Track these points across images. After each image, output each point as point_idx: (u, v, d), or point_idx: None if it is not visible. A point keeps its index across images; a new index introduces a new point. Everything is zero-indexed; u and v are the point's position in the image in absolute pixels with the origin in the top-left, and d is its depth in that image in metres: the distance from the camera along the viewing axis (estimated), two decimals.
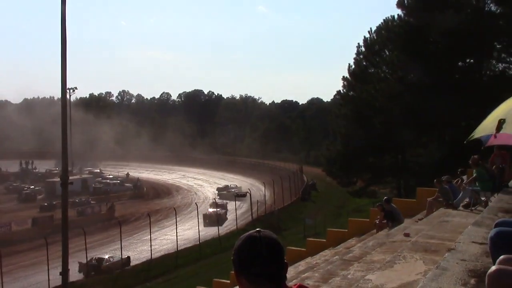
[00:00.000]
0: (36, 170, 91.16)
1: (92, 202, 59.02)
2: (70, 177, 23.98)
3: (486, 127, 6.88)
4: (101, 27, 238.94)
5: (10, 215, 53.89)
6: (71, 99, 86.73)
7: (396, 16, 40.54)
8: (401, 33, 38.19)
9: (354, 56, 44.37)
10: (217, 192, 68.60)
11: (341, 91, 45.92)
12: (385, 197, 18.12)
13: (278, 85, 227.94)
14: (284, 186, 58.14)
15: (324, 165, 49.37)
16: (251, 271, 2.20)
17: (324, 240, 20.22)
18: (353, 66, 44.08)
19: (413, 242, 8.28)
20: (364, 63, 43.79)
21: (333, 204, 55.45)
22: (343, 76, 44.72)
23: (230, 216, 51.82)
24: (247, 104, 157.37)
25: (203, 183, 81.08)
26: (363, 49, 43.47)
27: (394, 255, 7.51)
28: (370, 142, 39.27)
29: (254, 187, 67.27)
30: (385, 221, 15.79)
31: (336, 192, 54.50)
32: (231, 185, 73.18)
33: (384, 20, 41.91)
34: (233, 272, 2.35)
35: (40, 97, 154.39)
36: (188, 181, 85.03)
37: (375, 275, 6.53)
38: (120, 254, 36.68)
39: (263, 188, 59.41)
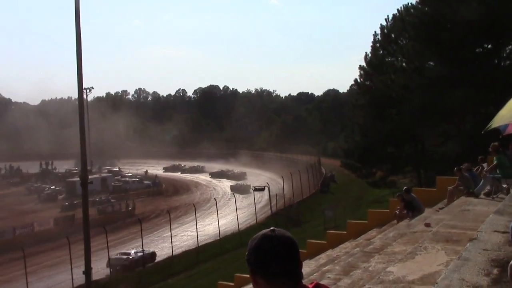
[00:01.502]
0: (56, 170, 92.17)
1: (112, 200, 59.50)
2: (90, 176, 24.20)
3: (503, 116, 6.78)
4: (115, 26, 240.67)
5: (32, 215, 54.53)
6: (88, 99, 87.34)
7: (411, 4, 40.12)
8: (416, 22, 37.75)
9: (371, 45, 44.01)
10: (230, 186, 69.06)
11: (358, 81, 45.59)
12: (404, 187, 17.95)
13: (294, 77, 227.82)
14: (302, 178, 57.99)
15: (342, 157, 49.16)
16: (268, 270, 2.19)
17: (344, 232, 20.15)
18: (370, 55, 43.71)
19: (434, 232, 8.20)
20: (381, 52, 43.38)
21: (352, 195, 55.20)
22: (360, 65, 44.41)
23: (250, 210, 51.86)
24: (263, 98, 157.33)
25: (221, 178, 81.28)
26: (379, 37, 43.07)
27: (415, 246, 7.45)
28: (389, 132, 38.96)
29: (273, 180, 67.18)
30: (405, 212, 15.67)
31: (355, 184, 54.22)
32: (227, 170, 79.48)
33: (399, 8, 41.51)
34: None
35: (57, 98, 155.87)
36: (206, 176, 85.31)
37: (396, 267, 6.48)
38: (142, 251, 36.92)
39: (281, 181, 59.32)
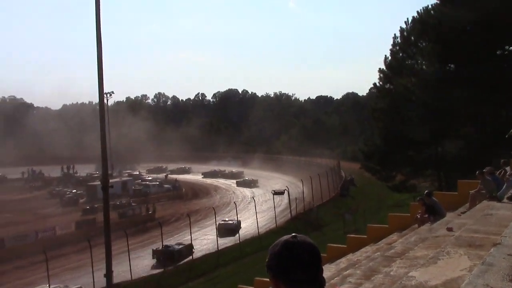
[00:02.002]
0: (77, 174, 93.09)
1: (133, 204, 59.89)
2: (110, 180, 24.44)
3: None
4: (134, 31, 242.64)
5: (54, 219, 55.08)
6: (109, 103, 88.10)
7: (431, 6, 39.86)
8: (436, 24, 37.47)
9: (390, 47, 43.75)
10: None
11: (378, 84, 45.36)
12: (426, 191, 17.78)
13: (313, 81, 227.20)
14: (322, 182, 57.81)
15: (362, 160, 48.93)
16: (291, 277, 2.20)
17: (365, 236, 20.02)
18: (389, 58, 43.47)
19: (457, 237, 8.11)
20: (401, 55, 43.12)
21: (372, 199, 54.85)
22: (380, 68, 44.18)
23: (269, 214, 51.82)
24: (282, 101, 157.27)
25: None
26: (399, 40, 42.82)
27: (437, 251, 7.37)
28: (409, 135, 38.69)
29: (292, 184, 67.06)
30: (426, 216, 15.51)
31: (375, 187, 53.90)
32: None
33: (419, 11, 41.24)
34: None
35: (78, 103, 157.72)
36: (226, 180, 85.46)
37: (418, 271, 6.42)
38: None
39: (301, 185, 59.19)
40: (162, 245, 38.88)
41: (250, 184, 78.48)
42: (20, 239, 44.60)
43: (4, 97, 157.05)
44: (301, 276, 2.20)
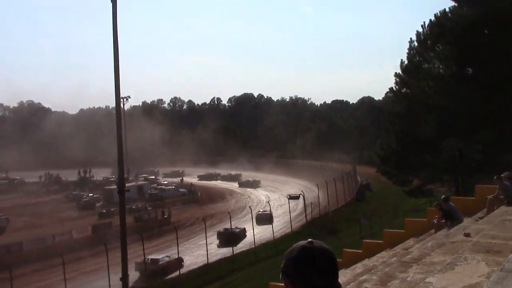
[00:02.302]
0: (94, 178, 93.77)
1: (149, 208, 60.16)
2: (127, 184, 24.55)
3: None
4: (150, 35, 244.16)
5: (71, 223, 55.57)
6: (125, 108, 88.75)
7: (449, 9, 39.53)
8: (453, 27, 37.18)
9: (407, 51, 43.43)
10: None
11: (394, 88, 45.06)
12: (443, 196, 17.58)
13: (328, 85, 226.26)
14: (337, 187, 57.63)
15: (378, 165, 48.62)
16: (308, 282, 2.20)
17: (381, 241, 19.87)
18: (405, 62, 43.18)
19: (474, 243, 8.01)
20: (417, 59, 42.79)
21: (388, 204, 54.56)
22: (396, 73, 43.81)
23: (285, 218, 51.77)
24: (298, 106, 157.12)
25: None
26: (415, 44, 42.50)
27: (454, 257, 7.28)
28: (425, 139, 38.38)
29: (308, 188, 66.94)
30: (443, 221, 15.34)
31: (392, 192, 53.56)
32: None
33: (436, 14, 40.92)
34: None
35: (95, 107, 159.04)
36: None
37: (435, 277, 6.35)
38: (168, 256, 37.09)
39: (316, 190, 59.05)
40: (145, 257, 36.26)
41: (253, 184, 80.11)
42: (37, 243, 45.07)
43: (22, 101, 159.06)
44: (317, 282, 2.20)
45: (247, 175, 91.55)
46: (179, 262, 38.78)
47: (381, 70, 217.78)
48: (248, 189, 79.08)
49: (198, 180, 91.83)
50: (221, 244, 43.54)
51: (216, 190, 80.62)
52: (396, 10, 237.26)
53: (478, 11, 34.37)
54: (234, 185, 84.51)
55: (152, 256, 38.00)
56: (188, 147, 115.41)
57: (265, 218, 51.42)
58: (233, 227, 45.97)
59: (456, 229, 13.49)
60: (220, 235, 45.30)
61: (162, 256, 38.81)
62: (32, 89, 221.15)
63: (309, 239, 2.33)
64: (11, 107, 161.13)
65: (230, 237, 44.01)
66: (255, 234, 43.89)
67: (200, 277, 35.76)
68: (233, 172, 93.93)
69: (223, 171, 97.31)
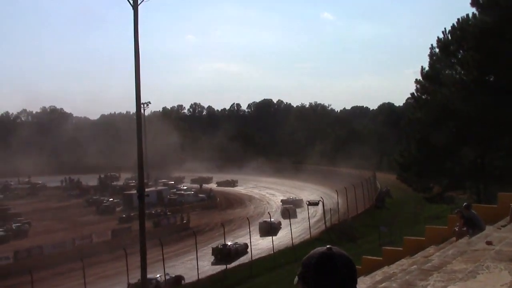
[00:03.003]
0: (114, 183, 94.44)
1: (168, 213, 60.38)
2: (146, 189, 24.74)
3: None
4: (169, 42, 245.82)
5: (91, 227, 56.04)
6: (146, 113, 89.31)
7: (471, 15, 39.16)
8: (475, 32, 36.82)
9: (428, 57, 43.11)
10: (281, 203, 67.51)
11: (415, 94, 44.74)
12: (464, 203, 17.36)
13: (348, 91, 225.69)
14: (357, 193, 57.28)
15: (398, 171, 48.24)
16: None
17: (401, 249, 19.67)
18: (426, 68, 42.84)
19: (497, 251, 7.90)
20: (438, 65, 42.44)
21: (408, 211, 54.02)
22: (416, 79, 43.54)
23: (303, 224, 51.55)
24: (317, 112, 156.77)
25: (275, 192, 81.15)
26: (436, 50, 42.18)
27: (476, 265, 7.19)
28: (447, 146, 37.99)
29: (327, 195, 66.63)
30: (465, 229, 15.13)
31: (412, 199, 53.05)
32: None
33: (458, 19, 40.57)
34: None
35: (116, 112, 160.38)
36: (260, 190, 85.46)
37: (457, 286, 6.27)
38: (197, 264, 37.05)
39: (335, 196, 58.75)
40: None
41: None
42: (58, 247, 45.55)
43: (44, 107, 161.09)
44: None
45: (266, 180, 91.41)
46: (246, 247, 42.90)
47: (402, 76, 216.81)
48: (267, 195, 78.99)
49: (216, 186, 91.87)
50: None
51: (235, 195, 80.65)
52: (417, 16, 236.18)
53: (499, 17, 34.01)
54: (253, 191, 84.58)
55: (224, 243, 42.73)
56: (207, 153, 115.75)
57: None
58: (231, 243, 44.14)
59: (478, 237, 13.31)
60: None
61: (231, 243, 43.60)
62: (54, 95, 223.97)
63: (328, 246, 2.31)
64: (34, 112, 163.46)
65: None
66: (274, 239, 43.71)
67: (218, 282, 35.75)
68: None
69: (239, 177, 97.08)
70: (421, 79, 43.12)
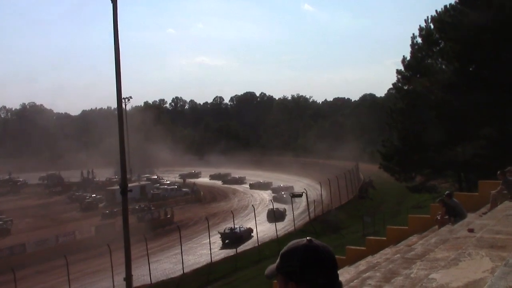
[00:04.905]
0: (96, 179, 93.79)
1: (152, 208, 60.18)
2: (129, 185, 24.53)
3: None
4: (150, 36, 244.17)
5: (74, 223, 55.65)
6: (127, 108, 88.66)
7: (450, 5, 39.38)
8: (454, 23, 37.07)
9: (410, 47, 43.27)
10: (272, 193, 68.76)
11: (396, 85, 44.95)
12: (446, 192, 17.51)
13: (330, 83, 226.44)
14: (340, 184, 57.57)
15: (380, 162, 48.59)
16: (316, 282, 2.19)
17: (384, 238, 19.82)
18: (408, 58, 43.02)
19: (478, 238, 7.98)
20: (420, 55, 42.63)
21: (391, 201, 54.52)
22: (397, 69, 43.74)
23: (287, 217, 51.72)
24: (299, 104, 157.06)
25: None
26: (418, 40, 42.34)
27: (458, 252, 7.24)
28: (428, 136, 38.27)
29: (310, 186, 66.87)
30: (447, 217, 15.30)
31: (394, 189, 53.48)
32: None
33: (437, 10, 40.80)
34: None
35: (97, 108, 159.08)
36: (243, 183, 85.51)
37: (439, 273, 6.31)
38: (181, 258, 37.03)
39: (319, 188, 58.98)
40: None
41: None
42: (40, 244, 45.18)
43: (24, 103, 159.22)
44: (323, 280, 2.21)
45: (249, 173, 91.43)
46: (250, 232, 45.63)
47: (383, 67, 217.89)
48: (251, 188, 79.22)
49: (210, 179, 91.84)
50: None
51: (219, 189, 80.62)
52: (397, 6, 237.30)
53: (481, 9, 34.24)
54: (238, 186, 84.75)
55: (231, 226, 45.80)
56: (189, 147, 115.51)
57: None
58: (237, 226, 46.08)
59: (460, 224, 13.46)
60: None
61: (237, 226, 46.00)
62: (34, 91, 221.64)
63: (307, 237, 2.31)
64: (13, 109, 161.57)
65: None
66: (259, 232, 43.78)
67: (203, 276, 35.76)
68: (237, 174, 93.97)
69: (222, 170, 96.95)
70: (402, 69, 43.35)
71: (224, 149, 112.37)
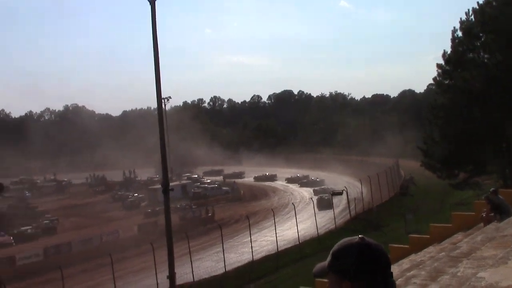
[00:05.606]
0: (138, 178, 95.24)
1: (193, 206, 60.78)
2: (170, 184, 24.87)
3: None
4: (188, 36, 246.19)
5: (117, 222, 56.69)
6: (166, 108, 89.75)
7: None
8: (496, 15, 36.18)
9: (450, 41, 42.39)
10: (312, 191, 68.69)
11: (437, 80, 44.08)
12: (491, 189, 17.13)
13: (368, 79, 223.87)
14: (381, 182, 56.91)
15: (422, 159, 47.78)
16: (374, 281, 2.20)
17: (428, 236, 19.54)
18: (448, 52, 42.14)
19: None
20: (461, 49, 41.70)
21: (434, 198, 53.48)
22: (438, 64, 42.89)
23: (328, 214, 51.43)
24: (338, 101, 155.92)
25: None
26: (459, 33, 41.42)
27: (507, 251, 7.11)
28: (471, 132, 37.47)
29: (350, 184, 66.35)
30: (492, 214, 14.98)
31: (437, 186, 52.44)
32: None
33: (478, 2, 39.85)
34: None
35: (137, 108, 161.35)
36: (283, 181, 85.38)
37: (488, 272, 6.21)
38: (223, 256, 37.24)
39: (359, 185, 58.46)
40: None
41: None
42: (85, 243, 46.20)
43: (67, 105, 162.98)
44: (378, 278, 2.21)
45: (288, 172, 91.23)
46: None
47: (422, 62, 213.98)
48: (291, 186, 79.18)
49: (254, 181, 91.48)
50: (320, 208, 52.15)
51: (259, 187, 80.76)
52: (436, 0, 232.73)
53: None
54: (277, 183, 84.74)
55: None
56: (228, 145, 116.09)
57: (326, 204, 54.11)
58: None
59: (506, 222, 13.15)
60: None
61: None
62: (77, 92, 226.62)
63: (359, 235, 2.31)
64: (56, 110, 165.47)
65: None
66: (299, 230, 43.66)
67: (245, 274, 35.88)
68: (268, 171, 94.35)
69: (260, 169, 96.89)
70: (443, 63, 42.49)
71: (262, 147, 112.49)
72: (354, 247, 2.24)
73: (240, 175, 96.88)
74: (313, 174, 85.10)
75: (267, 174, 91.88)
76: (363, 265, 2.20)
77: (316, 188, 69.49)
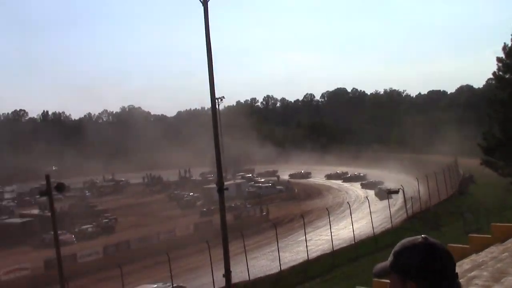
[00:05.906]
0: (193, 178, 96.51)
1: (247, 205, 61.11)
2: (225, 183, 25.10)
3: None
4: (239, 36, 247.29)
5: (174, 221, 57.69)
6: (220, 108, 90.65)
7: None
8: None
9: (510, 35, 40.92)
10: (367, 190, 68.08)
11: (497, 74, 42.62)
12: None
13: (423, 75, 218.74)
14: (438, 180, 55.57)
15: (482, 157, 46.36)
16: (438, 280, 2.15)
17: (489, 236, 18.91)
18: (509, 45, 40.68)
19: None
20: None
21: (494, 196, 51.81)
22: (498, 57, 41.47)
23: (384, 213, 50.67)
24: (393, 98, 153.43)
25: (353, 182, 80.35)
26: None
27: None
28: None
29: (407, 182, 65.10)
30: None
31: (497, 184, 50.73)
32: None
33: None
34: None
35: (191, 109, 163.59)
36: (337, 180, 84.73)
37: None
38: (278, 255, 37.25)
39: (416, 184, 57.25)
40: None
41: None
42: (144, 241, 47.27)
43: (124, 106, 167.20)
44: (444, 279, 2.16)
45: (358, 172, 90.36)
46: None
47: (479, 57, 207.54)
48: (345, 185, 78.50)
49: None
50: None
51: (313, 186, 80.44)
52: None
53: None
54: (331, 181, 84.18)
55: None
56: (282, 144, 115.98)
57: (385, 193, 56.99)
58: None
59: None
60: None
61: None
62: (133, 94, 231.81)
63: (422, 235, 2.26)
64: (114, 112, 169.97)
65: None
66: (355, 230, 43.20)
67: (301, 273, 35.81)
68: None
69: (317, 167, 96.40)
70: (503, 57, 41.08)
71: (317, 146, 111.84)
72: (418, 247, 2.19)
73: (306, 175, 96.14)
74: (369, 173, 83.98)
75: (302, 172, 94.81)
76: (428, 265, 2.15)
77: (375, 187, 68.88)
